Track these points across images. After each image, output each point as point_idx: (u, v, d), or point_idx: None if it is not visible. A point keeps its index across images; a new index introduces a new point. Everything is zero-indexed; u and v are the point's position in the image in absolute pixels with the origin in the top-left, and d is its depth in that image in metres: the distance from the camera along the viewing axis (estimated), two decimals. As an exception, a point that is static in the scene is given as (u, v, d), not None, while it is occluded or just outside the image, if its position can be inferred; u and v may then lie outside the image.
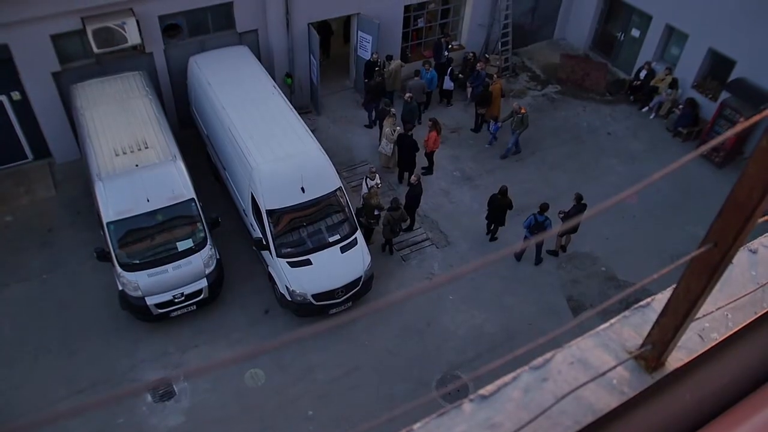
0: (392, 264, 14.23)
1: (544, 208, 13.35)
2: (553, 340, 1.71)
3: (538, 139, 17.55)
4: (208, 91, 14.19)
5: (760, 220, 1.55)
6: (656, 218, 15.32)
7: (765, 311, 2.08)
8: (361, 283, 12.71)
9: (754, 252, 2.31)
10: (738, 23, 16.30)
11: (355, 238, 12.90)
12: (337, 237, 12.76)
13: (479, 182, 16.29)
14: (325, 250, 12.59)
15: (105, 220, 11.77)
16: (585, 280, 14.13)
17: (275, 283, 12.66)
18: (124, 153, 12.47)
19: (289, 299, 12.35)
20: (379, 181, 14.50)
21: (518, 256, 14.42)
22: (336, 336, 12.49)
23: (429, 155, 16.23)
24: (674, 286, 1.83)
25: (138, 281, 11.81)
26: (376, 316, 12.85)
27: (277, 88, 14.53)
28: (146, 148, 12.62)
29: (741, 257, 2.27)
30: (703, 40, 17.51)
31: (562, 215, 13.47)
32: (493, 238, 14.83)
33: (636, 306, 2.13)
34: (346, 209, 13.01)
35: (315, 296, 12.30)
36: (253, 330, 12.65)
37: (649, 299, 2.14)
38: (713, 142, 1.69)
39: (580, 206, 13.62)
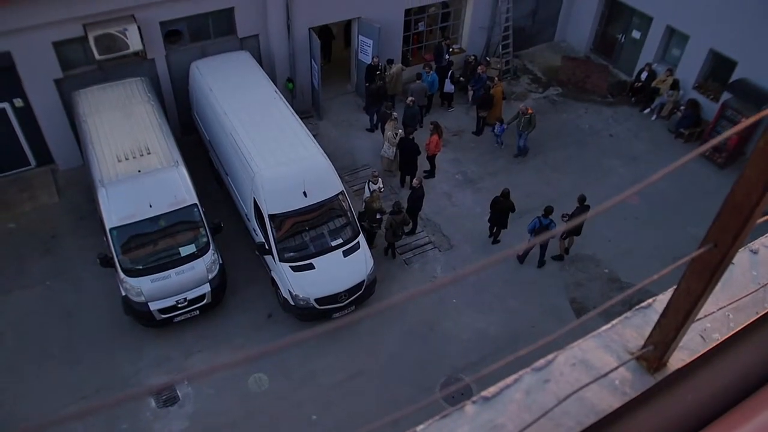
0: (395, 268, 14.23)
1: (548, 211, 13.32)
2: (555, 341, 1.72)
3: (540, 141, 17.55)
4: (210, 97, 14.23)
5: (759, 220, 1.55)
6: (659, 220, 15.30)
7: (766, 311, 2.08)
8: (363, 287, 12.71)
9: (755, 252, 2.31)
10: (739, 24, 16.31)
11: (358, 242, 12.90)
12: (339, 241, 12.77)
13: (481, 185, 16.29)
14: (328, 255, 12.60)
15: (108, 225, 11.79)
16: (588, 283, 14.11)
17: (278, 287, 12.67)
18: (127, 159, 12.49)
19: (292, 304, 12.36)
20: (381, 185, 14.51)
21: (521, 259, 14.40)
22: (339, 340, 12.49)
23: (431, 159, 16.24)
24: (675, 287, 1.84)
25: (141, 287, 11.82)
26: (379, 320, 12.86)
27: (279, 93, 14.56)
28: (148, 153, 12.65)
29: (742, 258, 2.28)
30: (703, 41, 17.52)
31: (565, 219, 13.47)
32: (495, 241, 14.83)
33: (637, 307, 2.13)
34: (349, 213, 13.02)
35: (318, 300, 12.31)
36: (256, 335, 12.66)
37: (650, 300, 2.14)
38: (713, 142, 1.69)
39: (583, 208, 13.61)
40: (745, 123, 1.72)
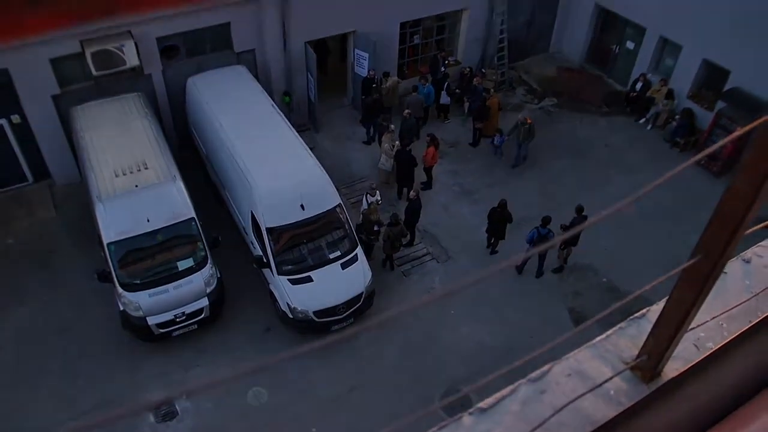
0: (393, 279, 14.23)
1: (546, 221, 13.35)
2: (554, 350, 1.74)
3: (536, 152, 17.61)
4: (207, 112, 14.28)
5: (747, 231, 1.58)
6: (656, 228, 15.34)
7: (759, 320, 2.10)
8: (362, 299, 12.71)
9: (748, 261, 2.34)
10: (731, 33, 16.42)
11: (356, 254, 12.91)
12: (337, 253, 12.77)
13: (478, 196, 16.33)
14: (326, 267, 12.60)
15: (105, 240, 11.80)
16: (586, 292, 14.13)
17: (276, 300, 12.67)
18: (124, 174, 12.52)
19: (291, 317, 12.35)
20: (379, 198, 14.53)
21: (520, 269, 14.42)
22: (338, 352, 12.47)
23: (428, 170, 16.29)
24: (667, 297, 1.86)
25: (139, 301, 11.81)
26: (377, 332, 12.84)
27: (276, 106, 14.62)
28: (146, 168, 12.68)
29: (735, 267, 2.30)
30: (696, 51, 17.65)
31: (562, 230, 13.49)
32: (493, 252, 14.85)
33: (632, 317, 2.15)
34: (346, 225, 13.04)
35: (316, 313, 12.30)
36: (255, 348, 12.63)
37: (644, 310, 2.16)
38: (707, 151, 1.72)
39: (581, 218, 13.64)
40: (737, 133, 1.74)
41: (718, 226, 1.55)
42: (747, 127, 1.70)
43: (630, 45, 19.94)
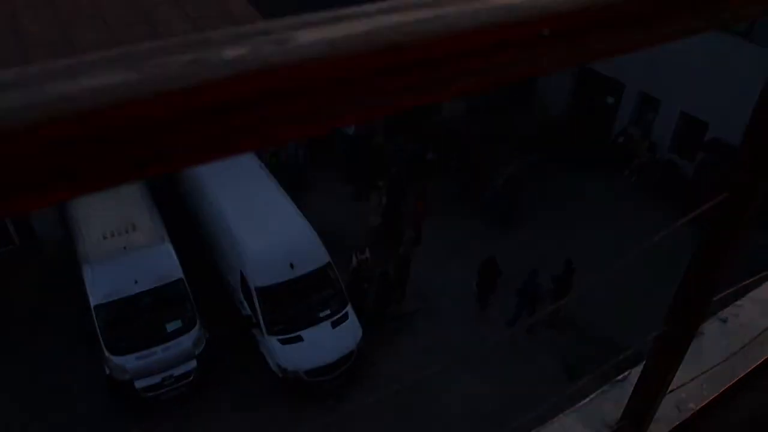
0: (384, 336, 14.12)
1: (534, 273, 13.43)
2: (552, 403, 1.76)
3: (524, 205, 17.79)
4: (195, 173, 14.39)
5: (716, 297, 1.64)
6: (648, 279, 15.31)
7: (738, 379, 2.15)
8: (353, 357, 12.59)
9: (725, 321, 2.39)
10: (704, 85, 16.88)
11: (346, 312, 12.86)
12: (327, 312, 12.72)
13: (467, 250, 16.36)
14: (316, 326, 12.53)
15: (92, 303, 11.71)
16: (579, 346, 14.05)
17: (266, 360, 12.52)
18: (112, 236, 12.51)
19: (281, 377, 12.20)
20: (368, 255, 14.55)
21: (512, 323, 14.37)
22: (331, 416, 12.25)
23: (416, 225, 16.36)
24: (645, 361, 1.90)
25: (126, 364, 11.64)
26: (368, 393, 12.65)
27: (263, 166, 14.77)
28: (134, 230, 12.69)
29: (712, 327, 2.35)
30: (674, 104, 18.12)
31: (554, 284, 13.55)
32: (484, 306, 14.83)
33: (614, 380, 2.19)
34: (336, 284, 13.02)
35: (307, 372, 12.16)
36: (245, 411, 12.40)
37: (626, 373, 2.20)
38: (695, 213, 1.79)
39: (569, 271, 13.72)
40: (712, 202, 1.79)
41: (686, 296, 1.61)
42: (711, 203, 1.74)
43: (610, 100, 20.44)
